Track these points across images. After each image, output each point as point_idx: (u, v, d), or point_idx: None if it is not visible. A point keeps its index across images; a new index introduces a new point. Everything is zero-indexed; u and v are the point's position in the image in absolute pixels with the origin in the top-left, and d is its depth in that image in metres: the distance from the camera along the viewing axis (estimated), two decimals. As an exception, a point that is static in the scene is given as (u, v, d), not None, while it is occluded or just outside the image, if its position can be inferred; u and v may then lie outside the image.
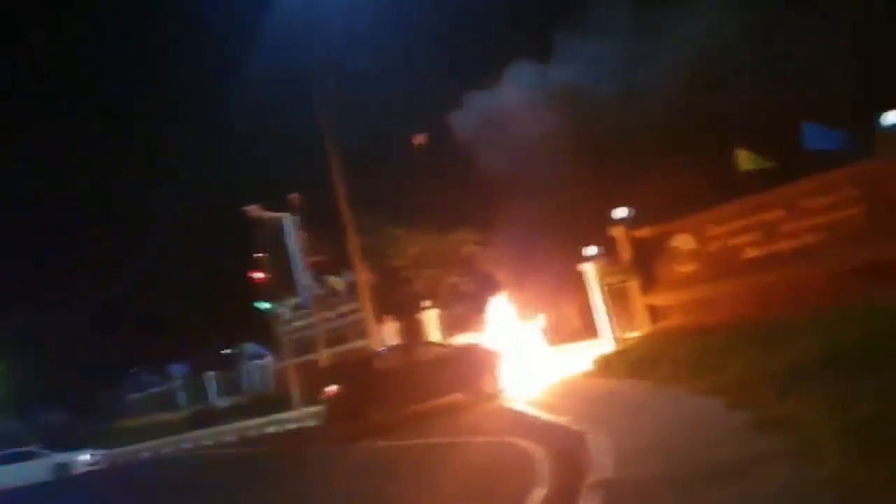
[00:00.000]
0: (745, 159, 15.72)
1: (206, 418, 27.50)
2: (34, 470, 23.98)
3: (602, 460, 7.81)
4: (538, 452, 9.63)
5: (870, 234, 12.95)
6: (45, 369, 39.52)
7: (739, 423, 7.80)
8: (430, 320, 24.87)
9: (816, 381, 8.02)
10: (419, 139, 25.47)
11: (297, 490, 11.89)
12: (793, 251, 14.16)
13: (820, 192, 13.72)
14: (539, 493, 7.68)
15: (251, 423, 21.89)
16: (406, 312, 26.51)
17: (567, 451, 9.26)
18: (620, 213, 17.16)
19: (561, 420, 10.87)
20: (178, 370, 36.94)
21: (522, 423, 12.22)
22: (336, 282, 28.31)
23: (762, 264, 14.68)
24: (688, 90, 18.34)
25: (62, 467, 24.25)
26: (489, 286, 24.73)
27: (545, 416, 11.72)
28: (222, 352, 41.10)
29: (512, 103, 22.48)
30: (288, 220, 28.14)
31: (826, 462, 5.82)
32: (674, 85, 18.69)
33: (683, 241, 16.21)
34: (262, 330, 33.12)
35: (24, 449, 25.55)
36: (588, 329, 19.47)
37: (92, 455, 24.96)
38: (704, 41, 18.51)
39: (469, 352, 18.26)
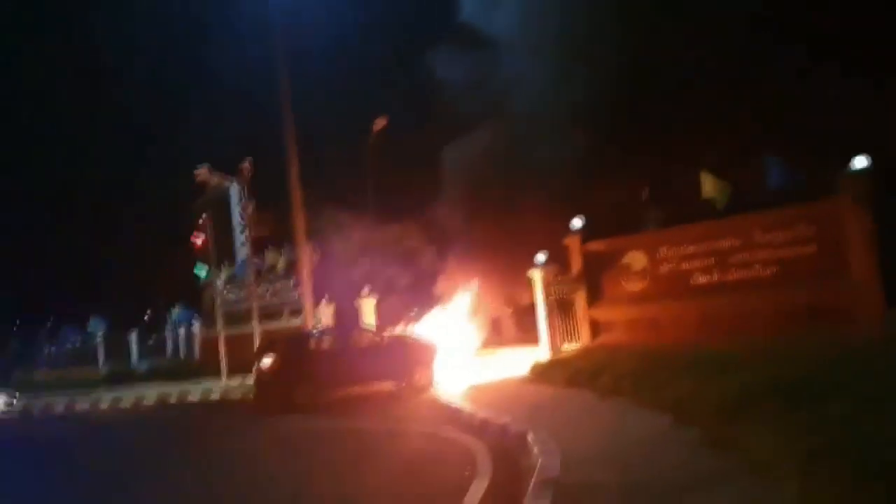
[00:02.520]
0: (708, 184, 15.81)
1: (125, 378, 26.54)
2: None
3: (547, 461, 7.61)
4: (477, 446, 9.41)
5: (818, 274, 13.18)
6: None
7: (688, 439, 7.74)
8: (367, 308, 24.51)
9: (764, 409, 7.98)
10: (379, 123, 25.06)
11: (221, 464, 11.39)
12: (742, 282, 14.32)
13: (776, 226, 13.89)
14: (480, 484, 7.46)
15: (173, 389, 21.16)
16: (343, 297, 26.10)
17: (508, 449, 9.07)
18: (576, 223, 17.08)
19: (499, 419, 10.66)
20: (97, 326, 35.48)
21: (458, 418, 11.98)
22: (275, 257, 27.68)
23: (711, 291, 14.82)
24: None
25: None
26: (431, 281, 24.52)
27: (482, 413, 11.48)
28: (147, 312, 39.74)
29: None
30: (234, 188, 27.36)
31: (782, 485, 5.76)
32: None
33: (635, 259, 16.24)
34: (192, 295, 32.20)
35: None
36: (527, 335, 19.38)
37: (7, 398, 23.24)
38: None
39: (404, 342, 18.03)
